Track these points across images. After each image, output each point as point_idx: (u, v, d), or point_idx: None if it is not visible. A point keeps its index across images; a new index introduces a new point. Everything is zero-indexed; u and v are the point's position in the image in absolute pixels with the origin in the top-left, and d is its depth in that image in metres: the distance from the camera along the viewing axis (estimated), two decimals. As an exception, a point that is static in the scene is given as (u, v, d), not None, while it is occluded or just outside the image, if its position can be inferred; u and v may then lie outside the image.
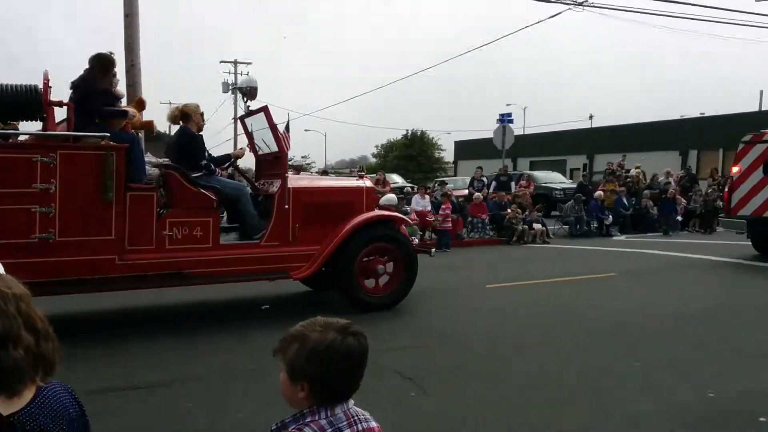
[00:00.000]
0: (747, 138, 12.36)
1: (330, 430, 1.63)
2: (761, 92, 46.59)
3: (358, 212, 7.79)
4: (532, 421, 4.41)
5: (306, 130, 57.68)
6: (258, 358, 5.55)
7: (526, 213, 16.23)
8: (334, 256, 7.49)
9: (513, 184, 19.75)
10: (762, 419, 4.38)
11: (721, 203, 17.48)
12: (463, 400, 4.86)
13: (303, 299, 8.79)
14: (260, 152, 8.39)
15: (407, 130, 52.74)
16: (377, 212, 8.33)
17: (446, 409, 4.65)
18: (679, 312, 7.74)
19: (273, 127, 7.61)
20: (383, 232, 7.95)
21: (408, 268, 7.96)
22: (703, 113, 39.72)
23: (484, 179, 19.50)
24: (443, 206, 14.81)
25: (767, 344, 6.27)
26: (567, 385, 5.18)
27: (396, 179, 28.60)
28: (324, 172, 20.98)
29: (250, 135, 8.50)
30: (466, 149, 50.21)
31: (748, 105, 67.02)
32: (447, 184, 19.55)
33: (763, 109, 37.79)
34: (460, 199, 17.18)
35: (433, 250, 9.56)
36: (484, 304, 8.47)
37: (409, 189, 20.48)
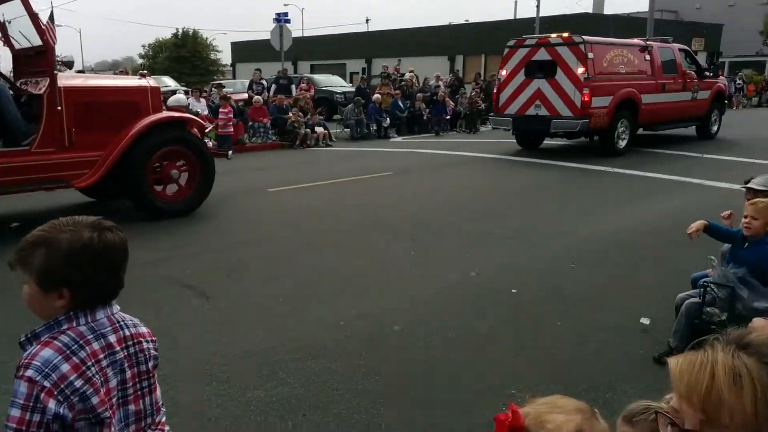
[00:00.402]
0: (511, 43, 13.41)
1: (91, 336, 1.46)
2: (516, 2, 50.93)
3: (144, 114, 7.17)
4: (314, 312, 4.56)
5: (57, 26, 50.78)
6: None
7: (308, 116, 16.22)
8: (121, 161, 6.90)
9: (293, 87, 19.52)
10: (514, 291, 5.02)
11: (483, 105, 19.11)
12: (245, 301, 4.86)
13: (67, 212, 7.97)
14: (17, 46, 7.23)
15: (177, 29, 48.92)
16: (167, 114, 7.70)
17: (226, 312, 4.62)
18: (447, 202, 8.46)
19: (33, 16, 6.54)
20: (175, 135, 7.45)
21: (204, 172, 7.65)
22: (468, 20, 42.40)
23: (264, 82, 18.97)
24: (223, 110, 14.20)
25: (517, 227, 7.12)
26: (347, 275, 5.43)
27: (168, 82, 26.63)
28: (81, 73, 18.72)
29: (2, 26, 7.26)
30: (245, 51, 48.23)
31: (505, 14, 72.74)
32: (224, 87, 18.64)
33: (518, 17, 41.37)
34: (239, 103, 16.58)
35: (231, 152, 9.25)
36: (266, 207, 8.43)
37: (182, 92, 19.21)
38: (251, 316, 4.55)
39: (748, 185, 4.10)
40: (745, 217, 3.64)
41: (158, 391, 1.64)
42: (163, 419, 1.67)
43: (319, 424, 3.14)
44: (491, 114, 14.85)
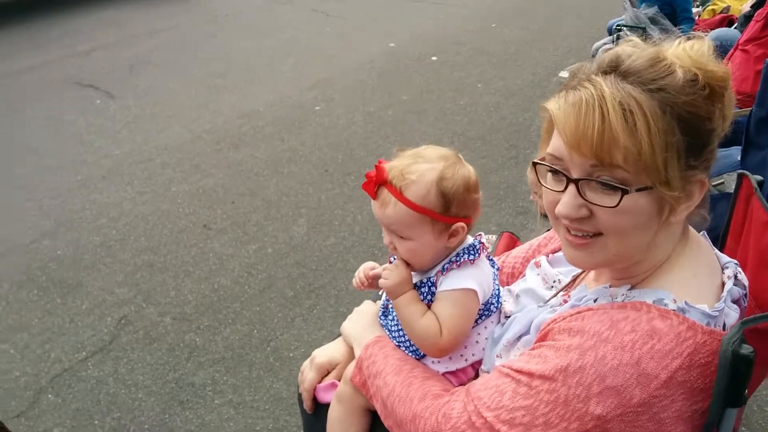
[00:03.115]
0: None
1: None
2: None
3: None
4: (228, 101, 4.39)
5: None
6: None
7: None
8: None
9: None
10: (434, 58, 4.92)
11: None
12: (152, 96, 4.58)
13: None
14: None
15: None
16: None
17: (135, 110, 4.37)
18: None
19: None
20: None
21: None
22: None
23: None
24: None
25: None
26: (258, 58, 5.15)
27: None
28: None
29: None
30: None
31: None
32: None
33: None
34: None
35: None
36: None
37: None
38: (162, 111, 4.33)
39: None
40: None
41: None
42: None
43: (249, 210, 3.15)
44: None
